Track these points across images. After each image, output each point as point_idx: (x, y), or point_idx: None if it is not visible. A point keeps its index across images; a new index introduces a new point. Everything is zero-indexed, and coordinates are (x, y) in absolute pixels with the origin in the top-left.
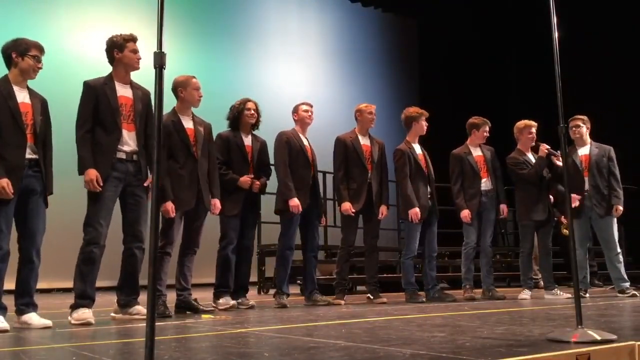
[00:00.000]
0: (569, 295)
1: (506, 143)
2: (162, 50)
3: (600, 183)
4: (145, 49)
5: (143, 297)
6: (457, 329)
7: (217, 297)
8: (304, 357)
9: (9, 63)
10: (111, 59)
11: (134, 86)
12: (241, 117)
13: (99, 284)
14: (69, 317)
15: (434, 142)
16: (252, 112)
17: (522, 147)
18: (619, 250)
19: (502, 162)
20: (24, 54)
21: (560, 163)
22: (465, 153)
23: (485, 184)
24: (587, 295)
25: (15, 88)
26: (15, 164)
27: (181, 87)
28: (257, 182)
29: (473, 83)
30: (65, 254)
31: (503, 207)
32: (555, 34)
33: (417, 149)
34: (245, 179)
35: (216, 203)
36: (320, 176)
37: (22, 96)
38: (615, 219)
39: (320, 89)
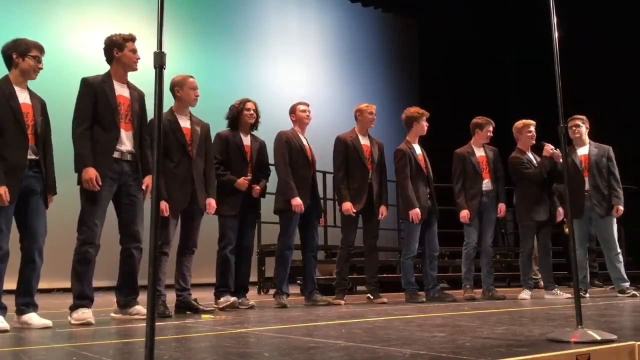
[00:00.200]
0: (569, 295)
1: (506, 143)
2: (162, 50)
3: (600, 183)
4: (145, 49)
5: (143, 297)
6: (457, 329)
7: (217, 297)
8: (304, 357)
9: (9, 64)
10: (109, 58)
11: (131, 86)
12: (240, 116)
13: (98, 284)
14: (69, 318)
15: (434, 142)
16: (252, 112)
17: (522, 147)
18: (619, 250)
19: (504, 162)
20: (24, 54)
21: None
22: (468, 153)
23: (487, 184)
24: (587, 295)
25: (17, 88)
26: (17, 165)
27: (178, 87)
28: (257, 187)
29: (473, 83)
30: (65, 254)
31: (501, 207)
32: (555, 34)
33: (417, 149)
34: (242, 181)
35: (211, 203)
36: (320, 176)
37: (23, 96)
38: (615, 219)
39: (320, 89)
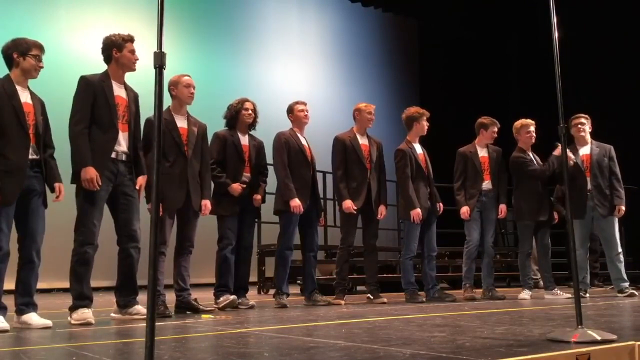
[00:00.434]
0: (569, 295)
1: (506, 143)
2: (162, 50)
3: (602, 183)
4: (145, 49)
5: (142, 297)
6: (457, 329)
7: (217, 297)
8: (304, 357)
9: (10, 63)
10: (108, 58)
11: (127, 87)
12: (238, 116)
13: (98, 284)
14: (69, 318)
15: (434, 142)
16: (250, 111)
17: (522, 146)
18: (620, 250)
19: (506, 162)
20: (25, 53)
21: (571, 162)
22: (471, 152)
23: (487, 184)
24: (587, 295)
25: (18, 88)
26: (18, 164)
27: (173, 86)
28: (258, 197)
29: (473, 83)
30: (65, 254)
31: (502, 208)
32: (555, 34)
33: (418, 148)
34: (236, 187)
35: (206, 204)
36: (319, 176)
37: (24, 96)
38: (616, 219)
39: (320, 89)
